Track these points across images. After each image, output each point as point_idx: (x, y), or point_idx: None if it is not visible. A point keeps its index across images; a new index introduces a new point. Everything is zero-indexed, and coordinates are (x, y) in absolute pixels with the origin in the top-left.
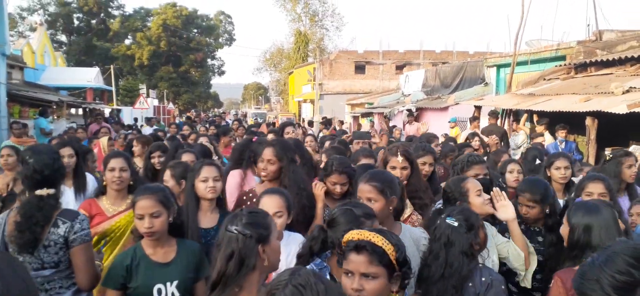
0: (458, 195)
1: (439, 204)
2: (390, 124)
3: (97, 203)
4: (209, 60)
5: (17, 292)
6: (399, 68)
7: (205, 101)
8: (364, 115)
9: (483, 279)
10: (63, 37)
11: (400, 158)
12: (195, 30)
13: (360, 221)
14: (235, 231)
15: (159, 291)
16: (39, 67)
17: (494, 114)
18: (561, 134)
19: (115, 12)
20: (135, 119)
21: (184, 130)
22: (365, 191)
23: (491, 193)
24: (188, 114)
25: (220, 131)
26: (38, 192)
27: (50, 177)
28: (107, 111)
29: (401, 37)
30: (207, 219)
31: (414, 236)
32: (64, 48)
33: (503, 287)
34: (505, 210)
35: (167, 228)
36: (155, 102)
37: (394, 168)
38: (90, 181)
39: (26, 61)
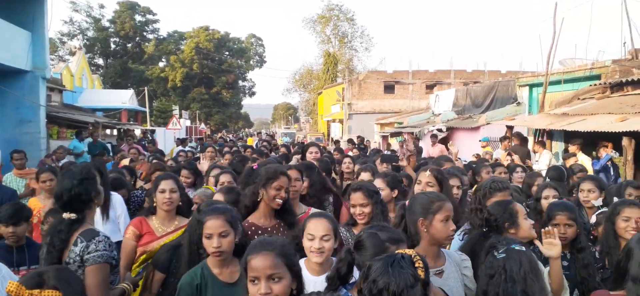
0: (507, 217)
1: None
2: (420, 144)
3: (147, 222)
4: (240, 81)
5: None
6: (429, 88)
7: (236, 121)
8: (394, 134)
9: None
10: (100, 61)
11: (427, 173)
12: (227, 53)
13: (385, 246)
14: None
15: None
16: (77, 90)
17: (518, 135)
18: (604, 151)
19: (150, 36)
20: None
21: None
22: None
23: (546, 228)
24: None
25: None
26: (63, 215)
27: (72, 200)
28: (138, 132)
29: (431, 57)
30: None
31: (456, 261)
32: (101, 71)
33: None
34: (553, 247)
35: (232, 248)
36: (188, 122)
37: (419, 182)
38: (118, 201)
39: (65, 83)
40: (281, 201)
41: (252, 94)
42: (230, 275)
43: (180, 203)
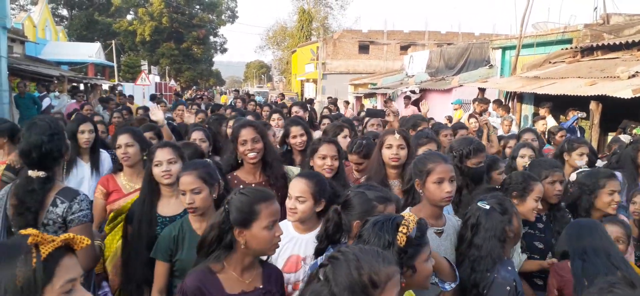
0: (520, 190)
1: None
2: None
3: (114, 179)
4: (211, 37)
5: None
6: (404, 48)
7: (208, 78)
8: (368, 96)
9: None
10: (64, 12)
11: (397, 136)
12: (198, 7)
13: (373, 205)
14: (226, 206)
15: None
16: (40, 42)
17: (498, 102)
18: (573, 114)
19: None
20: (131, 96)
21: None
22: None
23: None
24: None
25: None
26: (30, 173)
27: (42, 158)
28: (106, 87)
29: (406, 17)
30: (171, 206)
31: (453, 225)
32: (66, 22)
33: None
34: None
35: (210, 204)
36: (157, 79)
37: (390, 146)
38: (106, 159)
39: (27, 34)
40: (254, 154)
41: (224, 50)
42: None
43: (144, 158)
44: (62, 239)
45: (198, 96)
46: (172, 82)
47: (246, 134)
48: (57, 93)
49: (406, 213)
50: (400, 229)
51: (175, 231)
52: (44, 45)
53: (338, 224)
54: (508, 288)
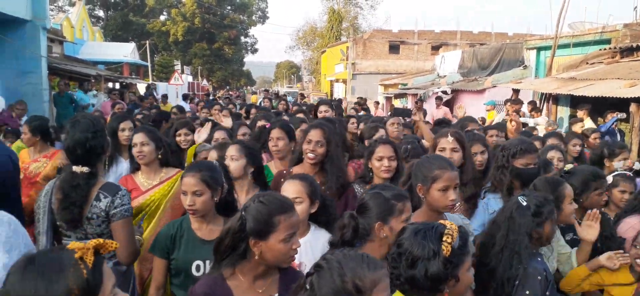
0: (555, 201)
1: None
2: (424, 106)
3: (132, 178)
4: (242, 37)
5: None
6: (435, 48)
7: (239, 78)
8: (398, 96)
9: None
10: (100, 13)
11: (450, 139)
12: (229, 7)
13: (391, 204)
14: (242, 213)
15: (198, 267)
16: (77, 42)
17: (532, 103)
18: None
19: None
20: (165, 96)
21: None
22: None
23: (589, 211)
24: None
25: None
26: (74, 168)
27: (86, 154)
28: (142, 86)
29: (437, 17)
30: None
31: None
32: (102, 23)
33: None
34: (590, 231)
35: (211, 207)
36: (190, 78)
37: (443, 149)
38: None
39: (65, 35)
40: (312, 156)
41: (255, 51)
42: (209, 233)
43: (159, 156)
44: (94, 244)
45: (231, 96)
46: (204, 82)
47: (313, 135)
48: (95, 92)
49: (446, 221)
50: (444, 238)
51: (174, 229)
52: (82, 45)
53: (355, 229)
54: (539, 278)
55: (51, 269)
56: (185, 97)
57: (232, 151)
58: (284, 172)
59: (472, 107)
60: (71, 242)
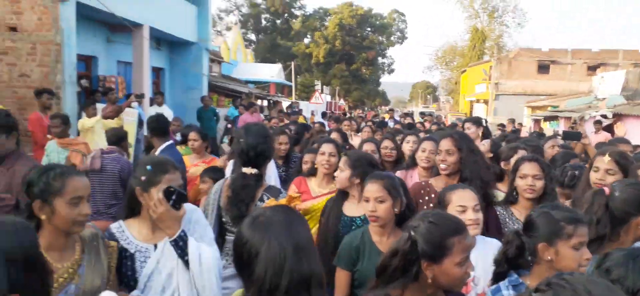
0: None
1: None
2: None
3: (306, 182)
4: (379, 58)
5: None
6: (591, 69)
7: (374, 98)
8: (548, 119)
9: None
10: (252, 36)
11: (606, 158)
12: (369, 29)
13: (560, 226)
14: (411, 233)
15: None
16: (232, 62)
17: None
18: None
19: (298, 12)
20: (300, 110)
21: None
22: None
23: None
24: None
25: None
26: (244, 170)
27: (256, 157)
28: (285, 104)
29: (593, 35)
30: (353, 208)
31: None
32: (253, 46)
33: None
34: None
35: (392, 217)
36: (328, 98)
37: (596, 170)
38: (271, 164)
39: (223, 56)
40: (444, 166)
41: (391, 71)
42: (389, 245)
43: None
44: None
45: (363, 116)
46: (341, 101)
47: (443, 145)
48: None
49: None
50: None
51: (357, 240)
52: (235, 66)
53: (521, 248)
54: None
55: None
56: (323, 115)
57: (340, 162)
58: (423, 183)
59: (638, 133)
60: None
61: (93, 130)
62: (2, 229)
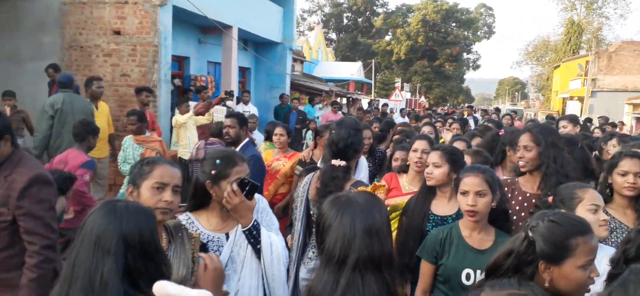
0: None
1: None
2: None
3: (397, 178)
4: (464, 54)
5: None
6: None
7: (457, 95)
8: None
9: None
10: (333, 35)
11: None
12: (454, 24)
13: None
14: (529, 233)
15: (467, 276)
16: (313, 61)
17: None
18: None
19: (379, 10)
20: (377, 108)
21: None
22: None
23: None
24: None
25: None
26: (333, 162)
27: (344, 150)
28: (365, 102)
29: None
30: (443, 207)
31: None
32: (334, 45)
33: None
34: None
35: (487, 212)
36: (408, 95)
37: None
38: (363, 163)
39: (305, 55)
40: (523, 162)
41: (477, 67)
42: (480, 242)
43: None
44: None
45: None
46: (422, 98)
47: (522, 139)
48: (321, 105)
49: None
50: None
51: (443, 234)
52: (316, 65)
53: None
54: None
55: None
56: (402, 111)
57: (433, 158)
58: (508, 180)
59: None
60: None
61: (185, 125)
62: (125, 213)
